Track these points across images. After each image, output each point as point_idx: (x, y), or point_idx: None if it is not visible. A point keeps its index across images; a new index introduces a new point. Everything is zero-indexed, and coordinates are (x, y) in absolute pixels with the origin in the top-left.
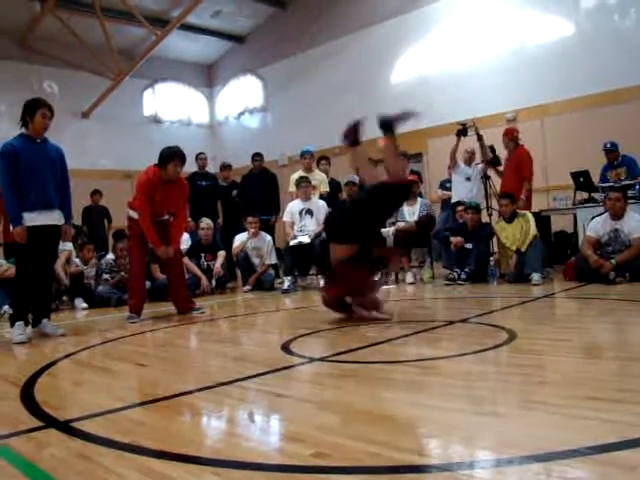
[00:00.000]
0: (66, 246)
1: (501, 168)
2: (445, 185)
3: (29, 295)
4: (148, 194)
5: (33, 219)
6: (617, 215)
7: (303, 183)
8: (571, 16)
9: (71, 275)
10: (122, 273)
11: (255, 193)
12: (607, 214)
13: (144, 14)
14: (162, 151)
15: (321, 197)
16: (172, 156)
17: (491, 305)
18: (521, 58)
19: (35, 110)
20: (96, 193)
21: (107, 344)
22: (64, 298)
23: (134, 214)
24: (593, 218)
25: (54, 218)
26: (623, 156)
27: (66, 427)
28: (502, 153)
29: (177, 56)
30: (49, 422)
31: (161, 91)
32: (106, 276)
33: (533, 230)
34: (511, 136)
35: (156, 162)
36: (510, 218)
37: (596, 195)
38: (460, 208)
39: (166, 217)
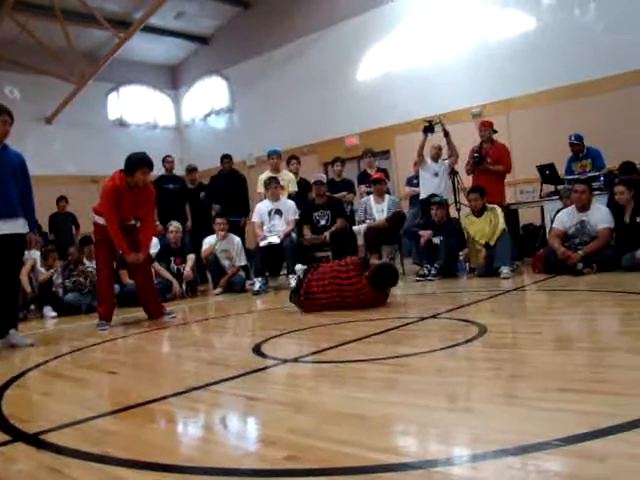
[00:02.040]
0: (32, 254)
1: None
2: (412, 181)
3: None
4: (114, 200)
5: None
6: (583, 207)
7: (272, 184)
8: (533, 11)
9: (41, 283)
10: (80, 279)
11: (224, 195)
12: (573, 206)
13: (106, 16)
14: (129, 157)
15: (290, 197)
16: (139, 163)
17: (461, 300)
18: (485, 53)
19: None
20: (62, 199)
21: (77, 352)
22: (32, 307)
23: (100, 219)
24: (559, 211)
25: (18, 226)
26: (588, 148)
27: (35, 440)
28: (464, 148)
29: (141, 58)
30: (17, 436)
31: (126, 94)
32: (67, 282)
33: (502, 224)
34: (490, 128)
35: (122, 168)
36: (479, 212)
37: (561, 187)
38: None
39: (132, 222)
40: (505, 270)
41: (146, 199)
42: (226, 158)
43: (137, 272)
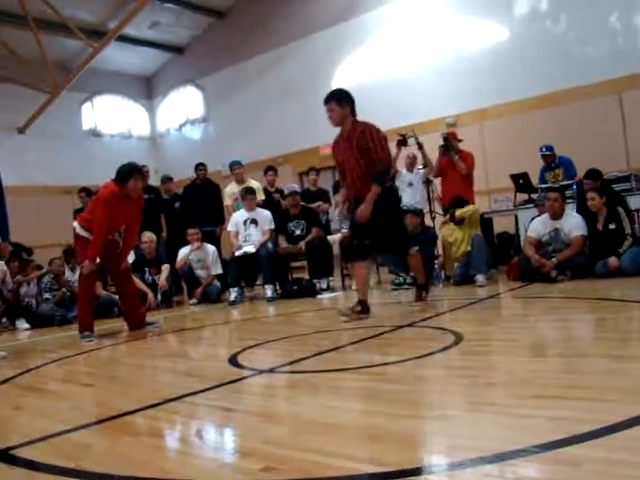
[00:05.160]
0: (1, 266)
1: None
2: None
3: None
4: (111, 207)
5: None
6: (556, 215)
7: (248, 195)
8: (505, 22)
9: (8, 297)
10: (63, 289)
11: (199, 204)
12: (547, 214)
13: (80, 26)
14: (120, 168)
15: (257, 205)
16: (131, 172)
17: (437, 308)
18: (459, 63)
19: None
20: None
21: (51, 365)
22: (4, 320)
23: (83, 232)
24: (533, 219)
25: None
26: (560, 157)
27: (6, 456)
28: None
29: (115, 68)
30: None
31: (100, 104)
32: (47, 295)
33: (472, 210)
34: (454, 138)
35: (113, 177)
36: (459, 221)
37: (535, 196)
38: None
39: (115, 237)
40: (480, 278)
41: (136, 209)
42: (201, 166)
43: (120, 280)
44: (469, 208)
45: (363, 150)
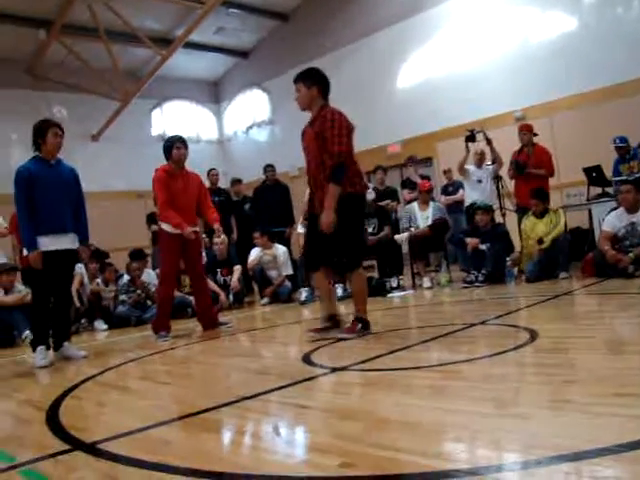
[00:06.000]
0: (80, 269)
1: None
2: (447, 190)
3: (47, 319)
4: (166, 183)
5: (47, 244)
6: (632, 208)
7: None
8: (574, 11)
9: (88, 298)
10: (138, 292)
11: (269, 205)
12: (622, 208)
13: (148, 35)
14: (163, 145)
15: None
16: (172, 142)
17: (510, 305)
18: (526, 56)
19: (46, 130)
20: None
21: (129, 364)
22: (83, 320)
23: (165, 226)
24: (609, 212)
25: (68, 242)
26: (635, 148)
27: (93, 449)
28: (507, 152)
29: (183, 74)
30: (75, 445)
31: (169, 110)
32: (123, 297)
33: (561, 226)
34: (529, 131)
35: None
36: (541, 214)
37: (610, 190)
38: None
39: (196, 228)
40: (563, 275)
41: (196, 185)
42: (269, 168)
43: (196, 279)
44: (556, 231)
45: (321, 138)
